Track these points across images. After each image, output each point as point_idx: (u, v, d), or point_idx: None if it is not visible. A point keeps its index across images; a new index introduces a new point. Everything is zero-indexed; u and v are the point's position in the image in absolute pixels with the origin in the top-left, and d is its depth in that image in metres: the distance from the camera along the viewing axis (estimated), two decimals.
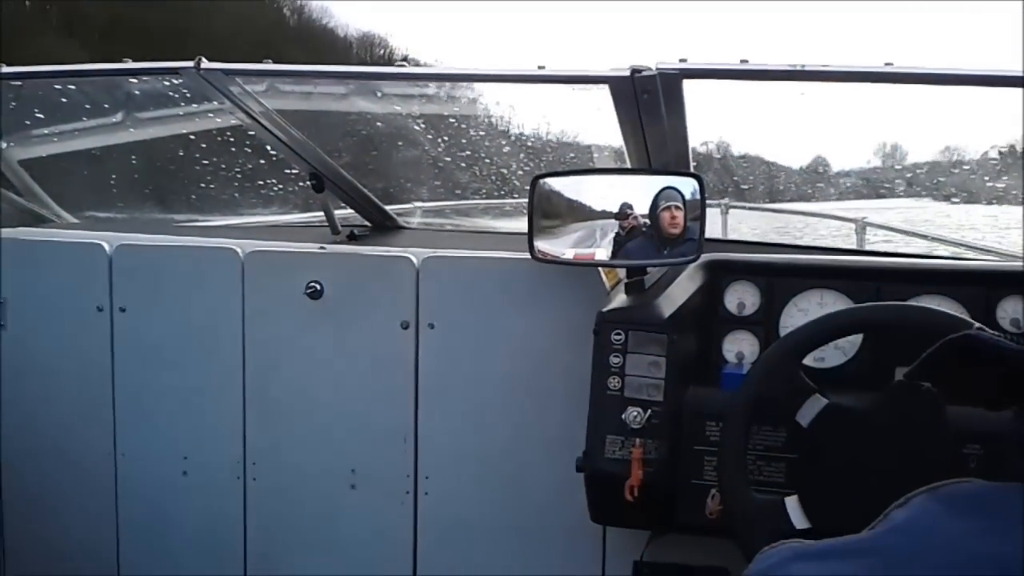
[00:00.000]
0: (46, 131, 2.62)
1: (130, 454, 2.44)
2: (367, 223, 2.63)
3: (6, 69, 2.25)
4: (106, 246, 2.42)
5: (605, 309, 1.79)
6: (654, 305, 1.77)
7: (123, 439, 2.43)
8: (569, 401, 1.96)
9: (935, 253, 3.06)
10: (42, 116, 2.56)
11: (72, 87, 2.41)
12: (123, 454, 2.44)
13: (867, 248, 3.45)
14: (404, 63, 1.90)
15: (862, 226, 3.48)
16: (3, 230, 2.56)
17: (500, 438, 2.16)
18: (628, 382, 1.72)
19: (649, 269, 1.88)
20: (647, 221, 1.78)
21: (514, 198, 3.01)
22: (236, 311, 2.31)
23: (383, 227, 2.63)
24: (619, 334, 1.73)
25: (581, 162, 2.48)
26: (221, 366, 2.33)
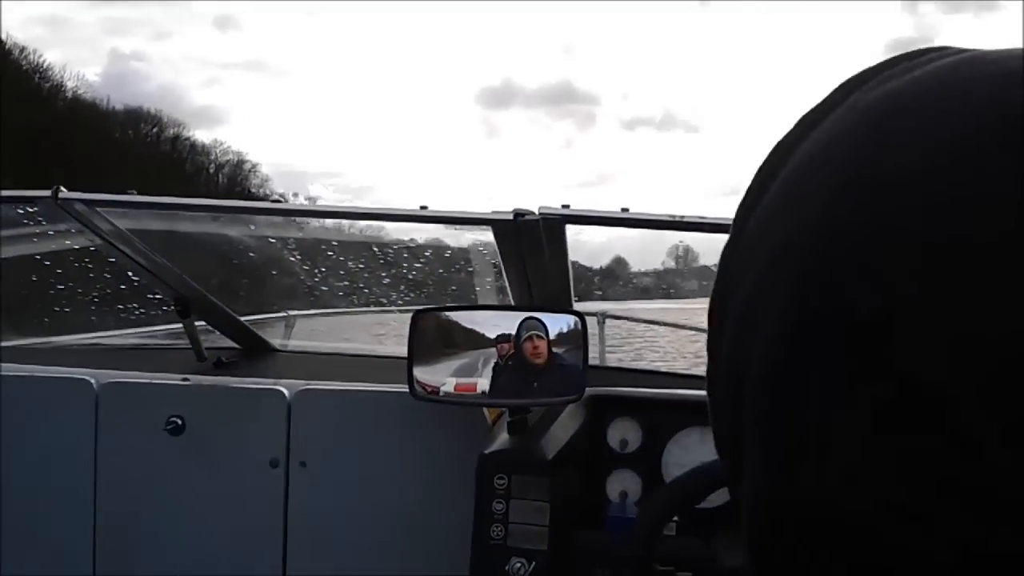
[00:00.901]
0: None
1: None
2: (236, 346, 2.50)
3: None
4: None
5: (487, 451, 1.73)
6: (538, 446, 1.73)
7: None
8: (453, 546, 1.88)
9: None
10: None
11: None
12: None
13: None
14: (279, 199, 1.84)
15: None
16: None
17: None
18: (512, 530, 1.65)
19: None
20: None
21: (393, 311, 2.94)
22: (88, 447, 2.13)
23: (253, 351, 2.51)
24: (502, 479, 1.67)
25: (463, 294, 2.46)
26: (71, 507, 2.14)
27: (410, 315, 2.86)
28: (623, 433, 1.91)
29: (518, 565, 1.62)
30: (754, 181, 0.39)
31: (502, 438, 1.78)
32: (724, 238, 0.43)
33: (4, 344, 2.47)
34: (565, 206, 1.67)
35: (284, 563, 2.06)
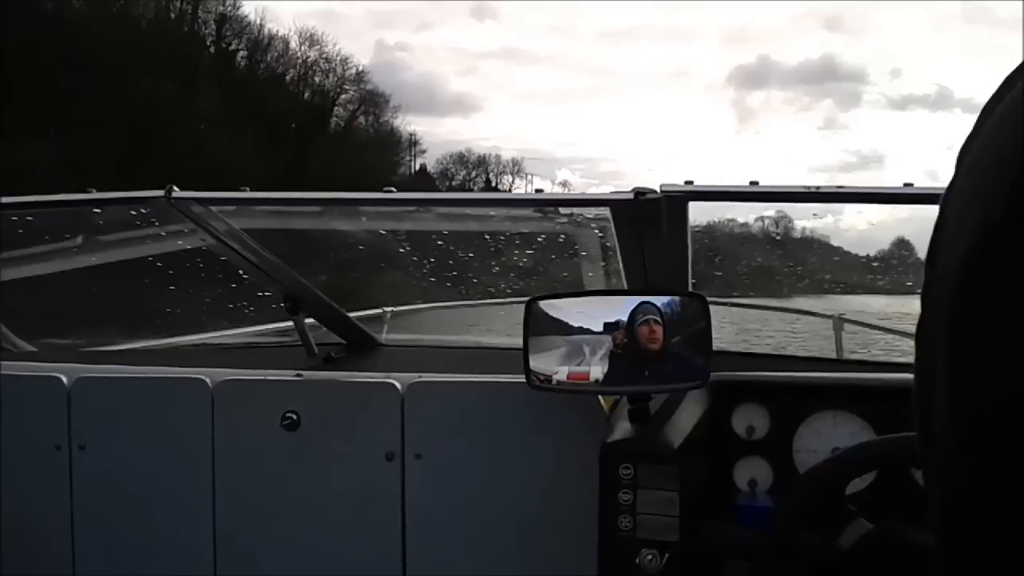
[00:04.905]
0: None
1: None
2: (342, 341, 2.49)
3: None
4: (64, 379, 2.24)
5: (610, 439, 1.67)
6: (663, 434, 1.66)
7: None
8: (576, 536, 1.83)
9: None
10: None
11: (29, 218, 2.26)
12: None
13: (845, 348, 3.36)
14: (391, 189, 1.81)
15: (839, 322, 3.39)
16: None
17: None
18: (640, 521, 1.59)
19: None
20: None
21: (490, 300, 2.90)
22: (206, 446, 2.14)
23: (359, 345, 2.50)
24: (627, 468, 1.61)
25: (574, 280, 2.41)
26: (190, 506, 2.16)
27: (498, 308, 2.82)
28: (749, 419, 1.85)
29: (649, 557, 1.56)
30: (971, 130, 0.40)
31: (624, 426, 1.73)
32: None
33: (121, 348, 2.51)
34: (688, 182, 1.60)
35: (403, 555, 2.05)
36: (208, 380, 2.16)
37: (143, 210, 2.12)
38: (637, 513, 1.59)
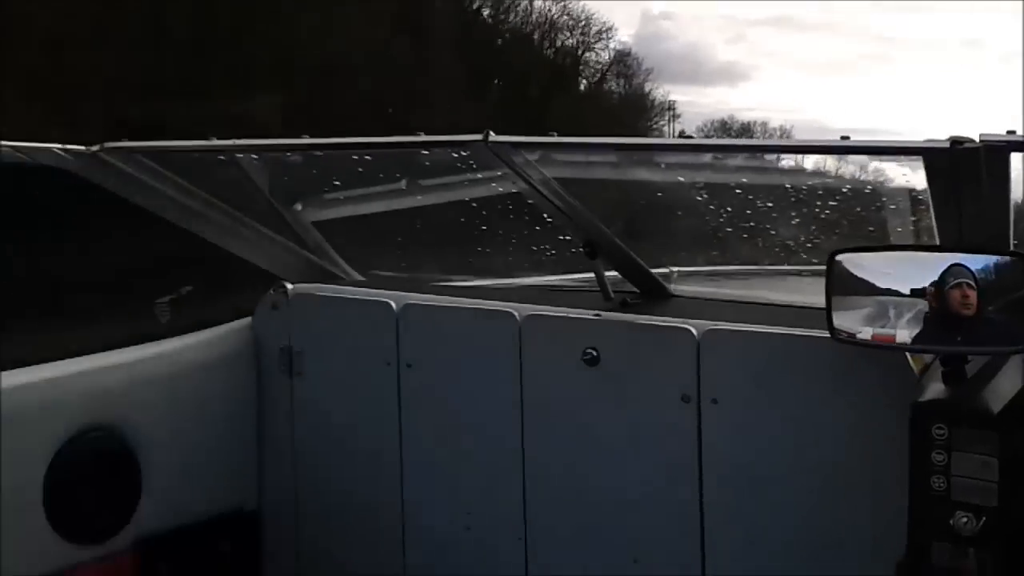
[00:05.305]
0: (337, 195, 2.80)
1: (416, 503, 2.52)
2: (636, 290, 2.57)
3: (308, 140, 2.43)
4: (393, 304, 2.53)
5: (922, 399, 1.63)
6: (980, 398, 1.61)
7: (410, 489, 2.53)
8: (876, 493, 1.82)
9: None
10: (338, 182, 2.73)
11: (368, 157, 2.55)
12: (409, 502, 2.53)
13: None
14: (689, 136, 1.83)
15: None
16: (297, 285, 2.76)
17: (795, 532, 2.01)
18: (955, 483, 1.56)
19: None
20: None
21: (792, 265, 2.83)
22: (514, 372, 2.34)
23: (652, 294, 2.56)
24: (941, 429, 1.57)
25: (880, 234, 2.30)
26: (500, 427, 2.37)
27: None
28: None
29: (964, 520, 1.53)
30: None
31: (937, 387, 1.67)
32: None
33: (435, 283, 2.77)
34: (1011, 132, 1.48)
35: (700, 495, 2.11)
36: (516, 314, 2.35)
37: (462, 152, 2.31)
38: (951, 475, 1.56)
